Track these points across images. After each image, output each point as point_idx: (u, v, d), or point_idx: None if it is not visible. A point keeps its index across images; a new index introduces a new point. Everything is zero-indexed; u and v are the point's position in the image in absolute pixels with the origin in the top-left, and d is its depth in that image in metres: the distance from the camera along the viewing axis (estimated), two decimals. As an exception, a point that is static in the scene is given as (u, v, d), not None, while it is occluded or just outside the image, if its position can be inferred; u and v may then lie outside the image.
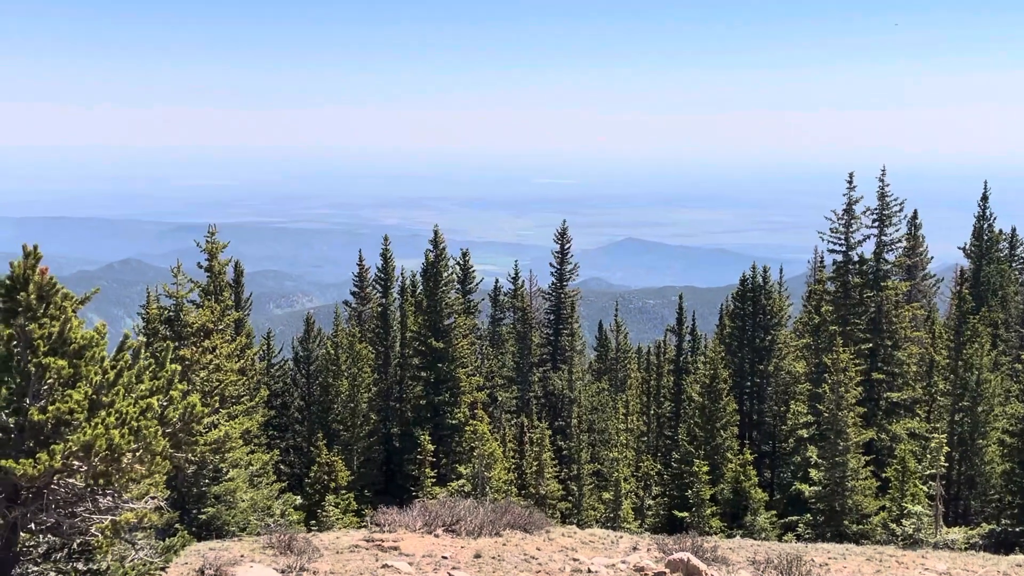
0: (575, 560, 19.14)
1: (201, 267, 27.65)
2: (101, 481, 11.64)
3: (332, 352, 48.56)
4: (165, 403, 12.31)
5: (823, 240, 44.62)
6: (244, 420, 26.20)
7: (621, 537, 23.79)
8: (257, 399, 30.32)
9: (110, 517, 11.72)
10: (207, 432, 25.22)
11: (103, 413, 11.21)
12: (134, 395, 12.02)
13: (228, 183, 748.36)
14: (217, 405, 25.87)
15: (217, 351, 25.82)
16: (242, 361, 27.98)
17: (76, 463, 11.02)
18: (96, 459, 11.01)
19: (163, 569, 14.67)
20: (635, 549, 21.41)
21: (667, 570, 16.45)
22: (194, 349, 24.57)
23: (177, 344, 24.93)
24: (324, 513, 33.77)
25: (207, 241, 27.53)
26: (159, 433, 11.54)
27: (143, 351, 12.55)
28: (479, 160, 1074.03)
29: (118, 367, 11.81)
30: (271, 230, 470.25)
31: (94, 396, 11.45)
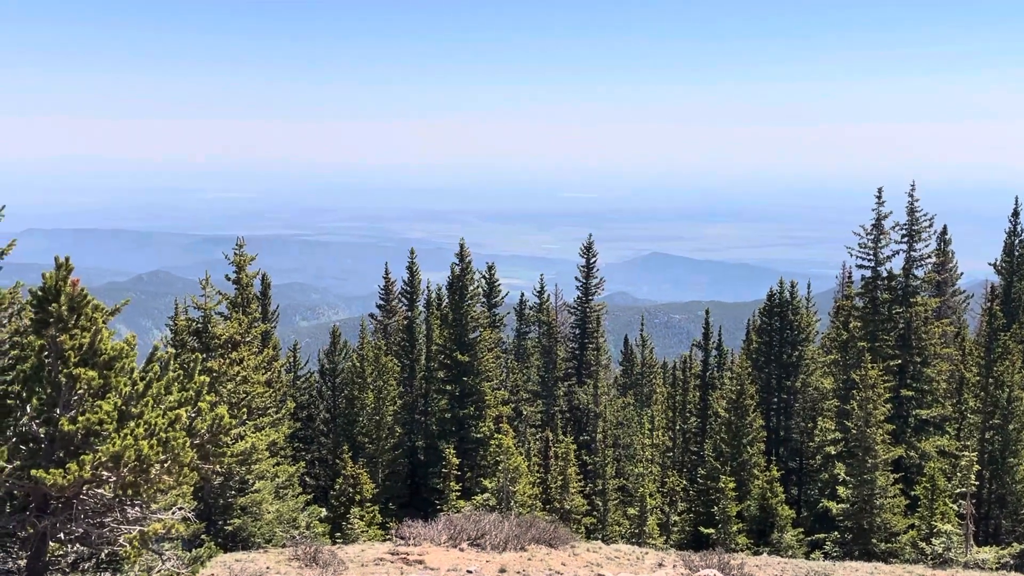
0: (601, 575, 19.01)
1: (229, 279, 27.80)
2: (130, 492, 11.69)
3: (358, 365, 48.66)
4: (193, 414, 12.36)
5: (851, 255, 44.31)
6: (270, 432, 26.26)
7: (647, 553, 23.62)
8: (283, 411, 30.40)
9: (138, 528, 11.74)
10: (234, 444, 25.35)
11: (132, 424, 11.26)
12: (163, 406, 12.08)
13: (255, 196, 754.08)
14: (244, 417, 25.97)
15: (244, 363, 25.91)
16: (269, 373, 28.08)
17: (105, 474, 11.06)
18: (125, 470, 11.05)
19: (189, 580, 14.70)
20: (661, 565, 21.24)
21: (694, 587, 16.29)
22: (221, 361, 24.67)
23: (205, 356, 25.03)
24: (349, 525, 33.77)
25: (235, 254, 27.68)
26: (187, 444, 11.57)
27: (172, 362, 12.61)
28: (504, 174, 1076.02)
29: (147, 378, 11.87)
30: (297, 243, 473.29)
31: (123, 407, 11.51)
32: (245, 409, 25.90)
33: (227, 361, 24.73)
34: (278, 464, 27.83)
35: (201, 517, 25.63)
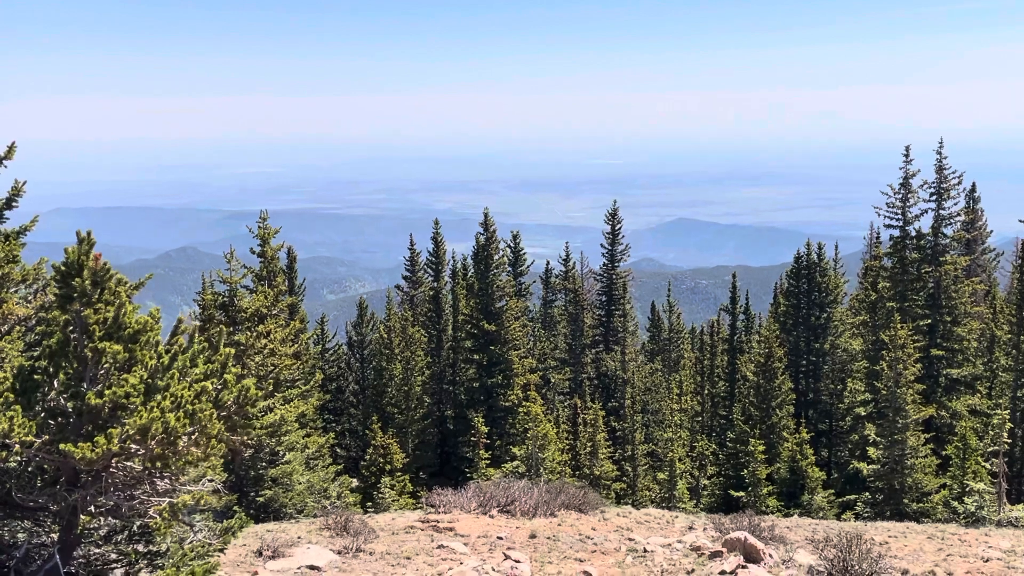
0: (631, 540, 19.05)
1: (254, 252, 27.89)
2: (159, 464, 11.78)
3: (385, 336, 48.88)
4: (219, 386, 12.41)
5: (879, 215, 43.79)
6: (299, 404, 26.44)
7: (676, 517, 23.65)
8: (312, 383, 30.60)
9: (167, 500, 11.85)
10: (263, 416, 25.58)
11: (158, 397, 11.33)
12: (189, 379, 12.14)
13: (281, 171, 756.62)
14: (272, 389, 26.16)
15: (271, 336, 26.05)
16: (296, 346, 28.23)
17: (133, 446, 11.15)
18: (153, 442, 11.13)
19: (221, 550, 14.85)
20: (691, 528, 21.26)
21: (724, 549, 16.29)
22: (248, 334, 24.82)
23: (231, 329, 25.22)
24: (380, 495, 34.05)
25: (259, 227, 27.76)
26: (213, 416, 11.64)
27: (197, 336, 12.67)
28: (530, 143, 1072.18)
29: (172, 351, 11.93)
30: (323, 216, 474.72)
31: (149, 380, 11.57)
32: (272, 381, 26.11)
33: (254, 334, 24.87)
34: (308, 436, 28.04)
35: (233, 489, 25.94)
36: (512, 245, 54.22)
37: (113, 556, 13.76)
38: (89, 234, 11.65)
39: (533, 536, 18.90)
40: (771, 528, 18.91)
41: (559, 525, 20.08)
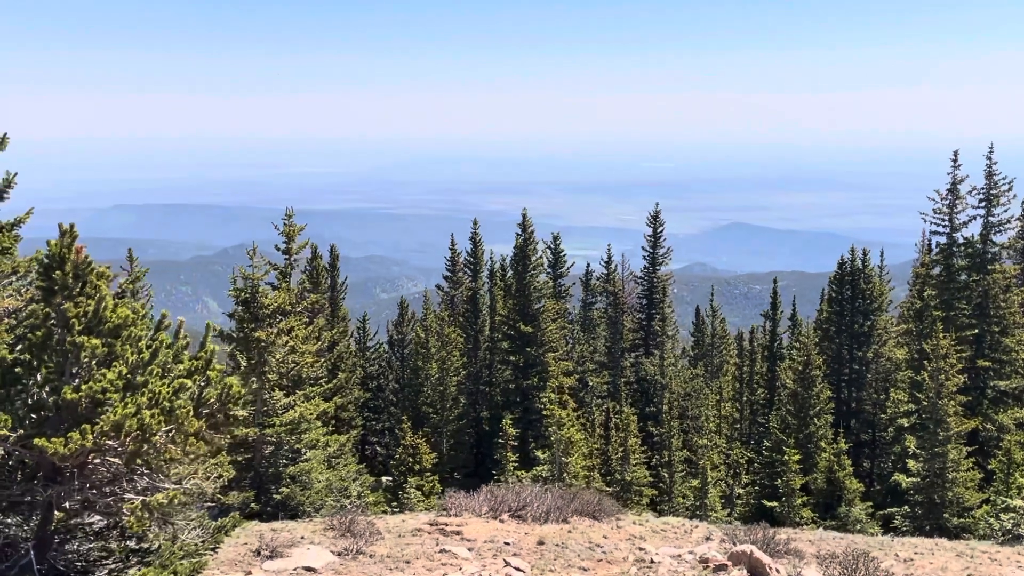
0: (641, 549, 18.57)
1: (279, 249, 27.87)
2: (139, 461, 11.63)
3: (422, 336, 48.77)
4: (203, 383, 12.23)
5: (925, 221, 42.68)
6: (319, 402, 26.31)
7: (697, 526, 23.06)
8: (335, 382, 30.49)
9: (141, 498, 11.66)
10: (283, 413, 25.50)
11: (135, 393, 11.17)
12: (172, 375, 11.97)
13: (337, 171, 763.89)
14: (291, 386, 26.08)
15: (293, 333, 25.96)
16: (319, 343, 28.12)
17: (108, 443, 10.99)
18: (127, 439, 10.96)
19: (213, 549, 14.71)
20: (708, 539, 20.70)
21: (729, 562, 15.77)
22: (269, 331, 24.74)
23: (253, 326, 25.16)
24: (405, 495, 33.86)
25: (284, 224, 27.69)
26: (190, 413, 11.44)
27: (181, 330, 12.51)
28: (583, 146, 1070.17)
29: (153, 347, 11.76)
30: (377, 216, 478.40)
31: (129, 376, 11.42)
32: (293, 379, 26.03)
33: (274, 331, 24.80)
34: (329, 434, 27.92)
35: (252, 486, 25.92)
36: (552, 246, 53.75)
37: (102, 553, 13.70)
38: (72, 227, 11.53)
39: (541, 543, 18.50)
40: (787, 541, 18.30)
41: (570, 532, 19.65)
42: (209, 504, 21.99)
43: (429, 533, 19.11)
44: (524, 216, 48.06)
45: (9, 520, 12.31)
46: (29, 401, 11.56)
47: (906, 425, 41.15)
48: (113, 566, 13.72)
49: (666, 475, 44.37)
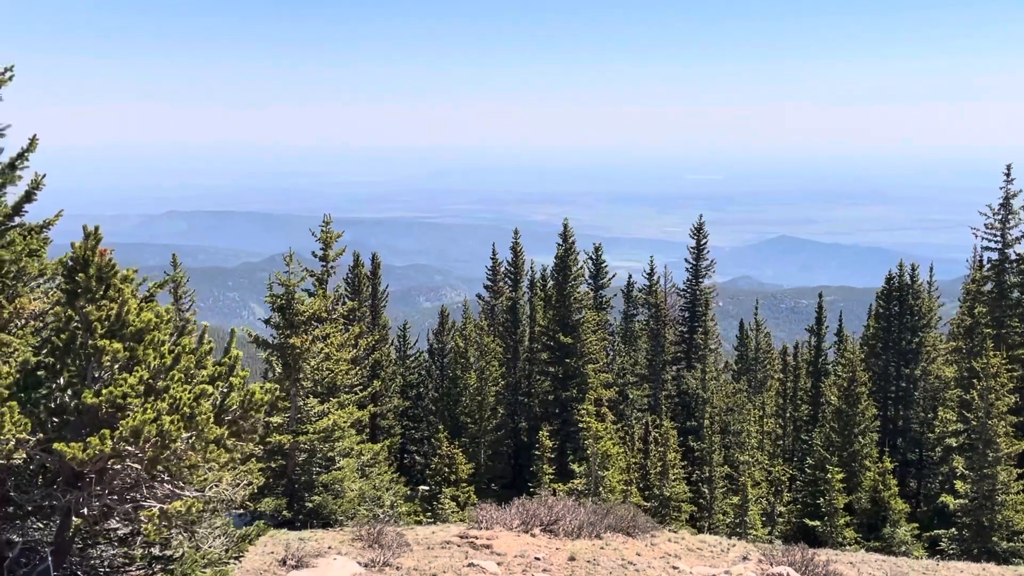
0: (675, 568, 18.11)
1: (316, 256, 27.80)
2: (159, 468, 11.46)
3: (461, 345, 48.57)
4: (226, 390, 12.04)
5: (976, 237, 41.65)
6: (354, 410, 26.13)
7: (734, 545, 22.52)
8: (370, 389, 30.29)
9: (158, 505, 11.48)
10: (316, 421, 25.35)
11: (156, 398, 11.00)
12: (195, 381, 11.79)
13: (384, 180, 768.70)
14: (326, 393, 25.93)
15: (328, 340, 25.83)
16: (355, 351, 27.96)
17: (127, 448, 10.82)
18: (147, 445, 10.79)
19: (237, 558, 14.51)
20: (745, 559, 20.17)
21: (765, 585, 15.27)
22: (304, 338, 24.62)
23: (288, 332, 25.07)
24: (440, 505, 33.57)
25: (322, 231, 27.59)
26: (210, 420, 11.24)
27: (206, 335, 12.34)
28: (629, 157, 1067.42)
29: (176, 352, 11.59)
30: (422, 225, 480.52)
31: (150, 380, 11.26)
32: (327, 386, 25.88)
33: (309, 338, 24.67)
34: (364, 441, 27.74)
35: (286, 493, 25.79)
36: (594, 257, 53.29)
37: (125, 560, 13.56)
38: (96, 229, 11.40)
39: (572, 559, 18.11)
40: (826, 564, 17.74)
41: (602, 548, 19.23)
42: (240, 512, 21.94)
43: (458, 546, 18.80)
44: (565, 226, 47.72)
45: (30, 525, 12.21)
46: (52, 405, 11.45)
47: (954, 445, 40.14)
48: (136, 573, 13.59)
49: (706, 491, 43.64)
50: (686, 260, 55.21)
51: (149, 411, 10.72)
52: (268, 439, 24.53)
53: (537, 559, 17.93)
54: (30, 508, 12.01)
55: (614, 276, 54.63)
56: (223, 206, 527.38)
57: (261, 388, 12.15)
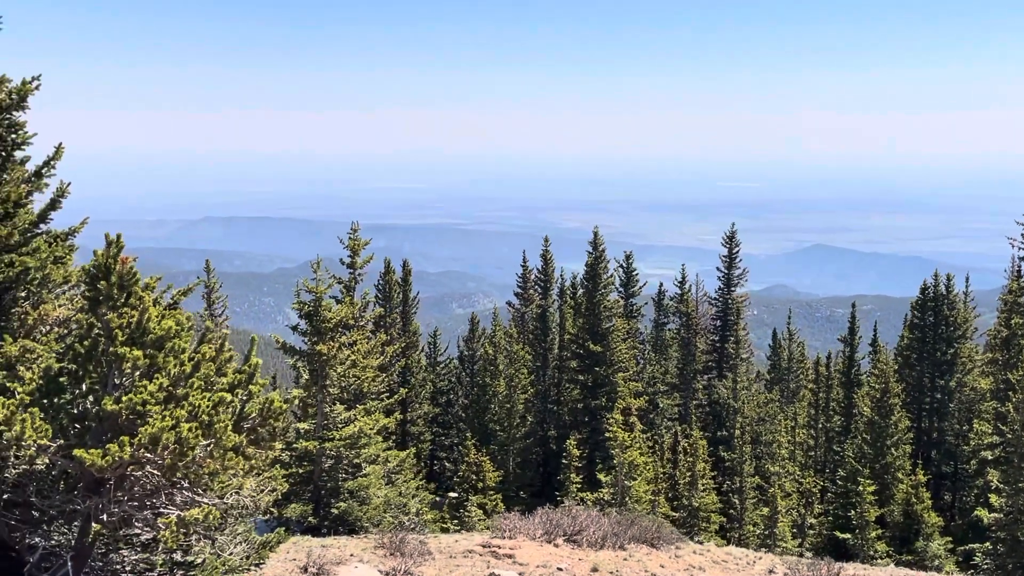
0: (698, 581, 17.95)
1: (343, 263, 27.92)
2: (178, 475, 11.52)
3: (490, 352, 48.56)
4: (245, 397, 12.10)
5: (1013, 247, 41.06)
6: (380, 416, 26.20)
7: (760, 558, 22.30)
8: (396, 396, 30.34)
9: (176, 512, 11.55)
10: (343, 427, 25.44)
11: (175, 406, 11.08)
12: (214, 388, 11.86)
13: (418, 186, 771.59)
14: (352, 400, 26.03)
15: (355, 347, 25.93)
16: (382, 358, 28.04)
17: (148, 455, 10.90)
18: (165, 452, 10.86)
19: (257, 565, 14.59)
20: (771, 572, 19.96)
21: (788, 600, 15.08)
22: (331, 344, 24.73)
23: (315, 339, 25.19)
24: (467, 513, 33.56)
25: (350, 238, 27.72)
26: (229, 428, 11.30)
27: (226, 343, 12.41)
28: (665, 164, 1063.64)
29: (196, 359, 11.66)
30: (457, 231, 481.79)
31: (170, 388, 11.33)
32: (354, 393, 25.97)
33: (336, 345, 24.77)
34: (389, 449, 27.80)
35: (311, 499, 25.90)
36: (624, 265, 53.12)
37: (146, 566, 13.66)
38: (119, 237, 11.51)
39: (595, 570, 18.01)
40: (852, 579, 17.49)
41: (625, 560, 19.11)
42: (265, 517, 22.03)
43: (480, 555, 18.75)
44: (595, 234, 47.62)
45: (52, 530, 12.33)
46: (74, 411, 11.56)
47: (990, 458, 39.56)
48: (155, 579, 13.69)
49: (736, 502, 43.30)
50: (718, 269, 54.88)
51: (168, 418, 10.80)
52: (295, 445, 24.68)
53: (559, 569, 17.85)
54: (52, 513, 12.11)
55: (645, 284, 54.42)
56: (259, 212, 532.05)
57: (279, 397, 12.19)
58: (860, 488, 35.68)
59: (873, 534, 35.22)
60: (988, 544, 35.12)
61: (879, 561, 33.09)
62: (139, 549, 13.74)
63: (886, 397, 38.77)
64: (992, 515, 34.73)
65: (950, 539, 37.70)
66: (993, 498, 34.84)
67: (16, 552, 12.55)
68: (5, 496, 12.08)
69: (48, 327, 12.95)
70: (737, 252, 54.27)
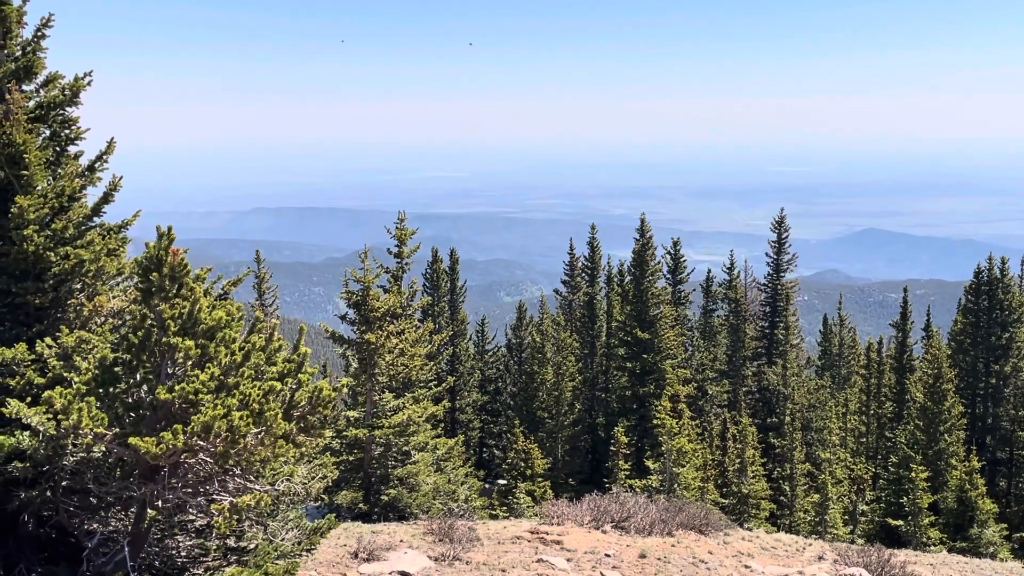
0: (747, 567, 17.92)
1: (391, 253, 28.12)
2: (231, 462, 11.76)
3: (537, 340, 48.67)
4: (295, 386, 12.30)
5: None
6: (428, 404, 26.41)
7: (810, 544, 22.17)
8: (444, 384, 30.56)
9: (228, 499, 11.80)
10: (392, 415, 25.69)
11: (226, 395, 11.30)
12: (264, 377, 12.07)
13: (465, 175, 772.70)
14: (401, 388, 26.26)
15: (403, 336, 26.14)
16: (430, 346, 28.24)
17: (198, 443, 11.14)
18: (217, 440, 11.09)
19: (309, 551, 14.83)
20: (820, 559, 19.85)
21: (837, 586, 15.01)
22: (379, 333, 24.96)
23: (364, 328, 25.45)
24: (515, 500, 33.73)
25: (396, 227, 27.87)
26: (279, 416, 11.50)
27: (275, 333, 12.62)
28: (713, 150, 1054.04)
29: (246, 349, 11.87)
30: (504, 220, 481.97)
31: (221, 377, 11.56)
32: (403, 381, 26.21)
33: (384, 334, 25.00)
34: (438, 436, 28.02)
35: (362, 486, 26.21)
36: (672, 251, 52.88)
37: (201, 551, 13.97)
38: (170, 229, 11.74)
39: (643, 556, 18.04)
40: (903, 565, 17.35)
41: (673, 546, 19.11)
42: (317, 504, 22.36)
43: (529, 541, 18.88)
44: (643, 221, 47.43)
45: (109, 516, 12.66)
46: (129, 400, 11.84)
47: (1046, 444, 38.91)
48: (211, 563, 13.98)
49: (787, 488, 43.04)
50: (767, 254, 54.43)
51: (220, 407, 11.02)
52: (345, 433, 24.98)
53: (607, 556, 17.91)
54: (109, 500, 12.43)
55: (693, 271, 54.11)
56: (308, 202, 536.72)
57: (328, 385, 12.37)
58: (912, 475, 35.26)
59: (926, 521, 34.81)
60: (1044, 531, 34.65)
61: (932, 548, 32.70)
62: (193, 535, 14.06)
63: (939, 382, 38.23)
64: (1049, 502, 34.22)
65: (1005, 526, 37.15)
66: (1050, 485, 34.32)
67: (75, 537, 12.91)
68: (64, 483, 12.43)
69: (103, 318, 13.25)
70: (786, 237, 53.78)
